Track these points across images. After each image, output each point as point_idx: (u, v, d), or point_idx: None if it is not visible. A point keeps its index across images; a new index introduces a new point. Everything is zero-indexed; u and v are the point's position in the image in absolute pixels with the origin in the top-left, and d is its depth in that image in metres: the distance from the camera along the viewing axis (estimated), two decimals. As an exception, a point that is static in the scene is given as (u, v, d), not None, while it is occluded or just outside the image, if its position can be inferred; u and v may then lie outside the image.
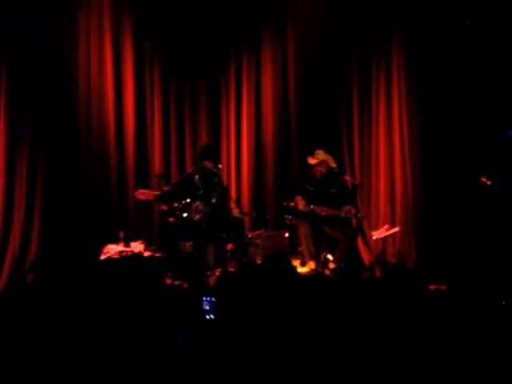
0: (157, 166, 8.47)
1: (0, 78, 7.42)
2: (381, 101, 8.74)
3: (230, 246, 7.39)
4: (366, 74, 8.81)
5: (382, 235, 8.05)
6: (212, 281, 6.80)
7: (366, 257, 8.36)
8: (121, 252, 7.19)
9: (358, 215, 7.96)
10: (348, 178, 8.24)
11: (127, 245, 7.34)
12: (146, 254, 7.29)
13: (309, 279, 5.97)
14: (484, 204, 7.64)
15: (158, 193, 7.32)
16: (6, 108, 7.44)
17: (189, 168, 8.40)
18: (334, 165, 7.63)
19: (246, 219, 8.39)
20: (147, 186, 8.26)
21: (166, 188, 7.38)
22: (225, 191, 7.69)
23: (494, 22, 7.89)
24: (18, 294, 6.73)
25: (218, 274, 6.90)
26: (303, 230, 7.47)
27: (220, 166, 7.62)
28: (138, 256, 7.16)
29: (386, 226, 8.09)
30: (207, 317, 4.30)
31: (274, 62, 8.98)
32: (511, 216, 7.44)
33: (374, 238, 8.15)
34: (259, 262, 7.21)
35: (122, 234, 7.44)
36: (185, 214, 7.09)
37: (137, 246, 7.33)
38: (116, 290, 5.07)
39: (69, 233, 7.58)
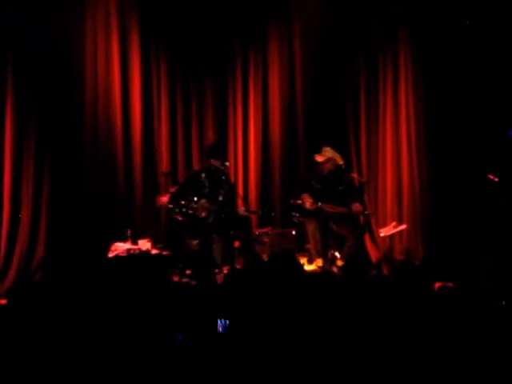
0: (164, 163, 8.47)
1: (6, 76, 7.41)
2: (388, 98, 8.72)
3: (237, 244, 7.40)
4: (372, 71, 8.79)
5: (390, 233, 8.04)
6: (219, 278, 6.82)
7: (373, 254, 8.36)
8: (128, 250, 7.21)
9: (366, 212, 7.95)
10: (355, 175, 8.23)
11: (134, 242, 7.36)
12: (154, 251, 7.31)
13: (316, 276, 5.97)
14: (491, 201, 7.63)
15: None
16: (13, 107, 7.43)
17: (196, 166, 8.41)
18: (341, 162, 7.63)
19: (253, 217, 8.40)
20: (154, 184, 8.30)
21: (172, 189, 7.40)
22: (232, 189, 7.70)
23: (498, 21, 7.88)
24: (26, 291, 6.77)
25: (225, 271, 6.92)
26: (310, 227, 7.48)
27: (227, 163, 7.63)
28: (145, 254, 7.18)
29: (394, 224, 8.08)
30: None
31: (280, 59, 8.97)
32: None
33: (381, 235, 8.15)
34: (266, 259, 7.22)
35: (129, 232, 7.46)
36: (190, 211, 7.11)
37: (144, 244, 7.35)
38: (123, 287, 5.09)
39: (76, 230, 7.58)
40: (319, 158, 7.65)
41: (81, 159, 7.88)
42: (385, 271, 7.80)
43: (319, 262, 7.32)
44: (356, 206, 7.45)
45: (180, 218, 7.23)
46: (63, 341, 3.93)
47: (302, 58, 8.93)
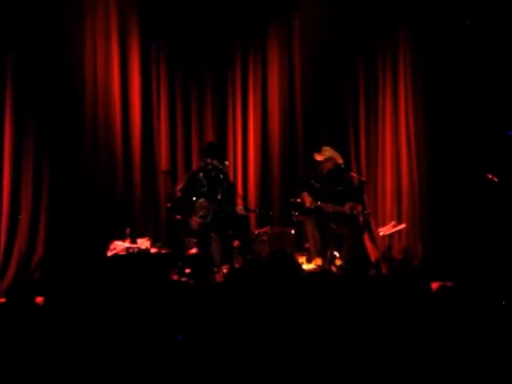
0: (163, 162, 8.48)
1: (6, 76, 7.42)
2: (387, 98, 8.73)
3: (236, 243, 7.41)
4: (372, 71, 8.80)
5: (389, 232, 8.05)
6: (218, 277, 6.83)
7: (372, 253, 8.37)
8: (127, 248, 7.21)
9: (365, 212, 7.95)
10: (354, 174, 8.24)
11: (134, 241, 7.36)
12: (153, 250, 7.32)
13: (315, 276, 5.97)
14: (490, 201, 7.64)
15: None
16: (12, 107, 7.45)
17: (195, 164, 8.42)
18: (341, 161, 7.63)
19: (252, 216, 8.41)
20: (154, 183, 8.31)
21: (178, 194, 7.44)
22: (231, 188, 7.71)
23: (499, 22, 7.88)
24: (24, 290, 6.77)
25: (224, 270, 6.93)
26: (310, 226, 7.48)
27: (227, 162, 7.65)
28: (144, 252, 7.19)
29: (393, 223, 8.09)
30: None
31: (280, 58, 8.97)
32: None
33: (380, 234, 8.16)
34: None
35: (128, 231, 7.46)
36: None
37: (143, 243, 7.35)
38: (123, 285, 5.08)
39: (75, 229, 7.60)
40: (319, 157, 7.65)
41: (80, 158, 7.89)
42: (384, 270, 7.83)
43: (318, 261, 7.33)
44: (353, 205, 7.44)
45: (179, 217, 7.27)
46: (62, 340, 3.93)
47: (301, 57, 8.93)
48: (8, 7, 7.34)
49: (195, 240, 7.25)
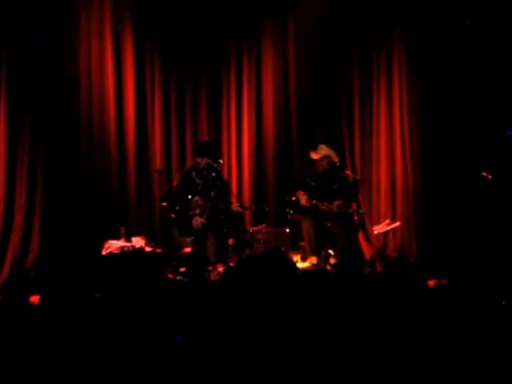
0: (158, 161, 8.47)
1: (0, 76, 7.42)
2: (382, 97, 8.74)
3: (231, 241, 7.41)
4: (367, 71, 8.81)
5: (383, 230, 8.07)
6: (213, 276, 6.82)
7: (367, 252, 8.37)
8: (122, 247, 7.20)
9: (360, 211, 7.95)
10: (349, 172, 8.24)
11: (128, 240, 7.35)
12: (148, 249, 7.31)
13: (309, 274, 5.97)
14: (485, 199, 7.66)
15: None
16: (7, 106, 7.44)
17: (189, 163, 8.41)
18: (336, 159, 7.64)
19: (247, 214, 8.41)
20: (148, 182, 8.31)
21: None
22: (226, 186, 7.70)
23: (495, 22, 7.89)
24: (19, 290, 6.76)
25: (219, 269, 6.92)
26: (305, 225, 7.48)
27: (221, 161, 7.64)
28: (139, 251, 7.18)
29: (387, 221, 8.11)
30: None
31: (274, 58, 8.97)
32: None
33: (375, 232, 8.17)
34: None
35: (123, 230, 7.45)
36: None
37: (138, 242, 7.34)
38: (117, 284, 5.09)
39: (70, 228, 7.58)
40: (315, 156, 7.65)
41: (75, 157, 7.87)
42: (378, 268, 7.84)
43: (313, 260, 7.33)
44: (335, 205, 7.46)
45: (173, 216, 7.27)
46: (57, 340, 3.92)
47: (296, 56, 8.94)
48: (2, 7, 7.32)
49: (190, 239, 7.24)
